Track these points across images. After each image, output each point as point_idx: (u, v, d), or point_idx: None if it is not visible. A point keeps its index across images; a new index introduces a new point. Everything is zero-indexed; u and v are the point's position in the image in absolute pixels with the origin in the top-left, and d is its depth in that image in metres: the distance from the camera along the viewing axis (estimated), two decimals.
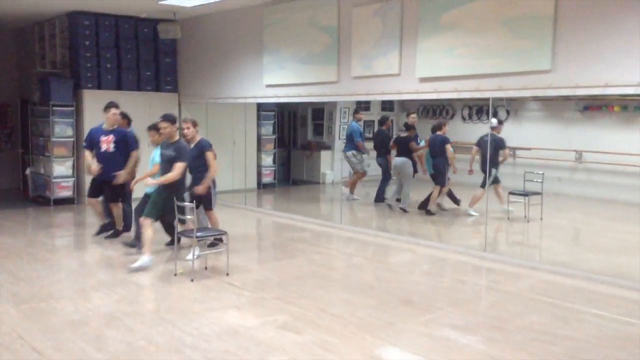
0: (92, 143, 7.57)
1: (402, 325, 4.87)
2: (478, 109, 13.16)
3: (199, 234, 6.21)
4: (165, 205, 6.33)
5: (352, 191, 11.31)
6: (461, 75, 7.17)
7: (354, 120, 11.43)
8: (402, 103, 14.69)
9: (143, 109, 10.48)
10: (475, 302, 5.62)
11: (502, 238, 8.72)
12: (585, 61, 6.07)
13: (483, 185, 9.18)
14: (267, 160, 12.98)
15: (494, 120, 9.16)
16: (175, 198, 6.18)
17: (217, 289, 5.78)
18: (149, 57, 11.47)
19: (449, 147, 9.66)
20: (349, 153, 11.05)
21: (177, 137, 6.43)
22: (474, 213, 9.44)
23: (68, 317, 4.94)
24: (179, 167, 6.25)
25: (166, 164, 6.36)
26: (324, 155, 13.98)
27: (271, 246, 8.35)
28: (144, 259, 6.32)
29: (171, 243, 7.04)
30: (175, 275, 6.20)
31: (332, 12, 8.66)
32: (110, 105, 7.56)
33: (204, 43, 11.15)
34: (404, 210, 9.91)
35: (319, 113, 14.34)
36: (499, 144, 9.16)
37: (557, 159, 9.83)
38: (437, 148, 9.73)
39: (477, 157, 9.46)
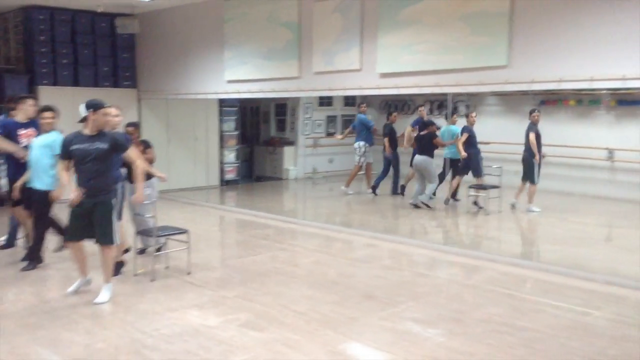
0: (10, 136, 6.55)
1: (364, 320, 4.90)
2: (439, 103, 13.31)
3: (159, 232, 6.12)
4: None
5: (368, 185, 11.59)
6: (421, 70, 7.23)
7: (359, 112, 11.72)
8: (365, 98, 14.76)
9: None
10: (436, 295, 5.69)
11: (463, 231, 8.86)
12: (541, 57, 6.20)
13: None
14: (230, 156, 12.89)
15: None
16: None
17: (178, 289, 5.70)
18: (107, 52, 11.22)
19: (464, 136, 9.80)
20: (360, 144, 11.27)
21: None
22: (535, 209, 9.48)
23: (23, 320, 4.81)
24: (135, 153, 5.56)
25: (98, 161, 5.11)
26: (288, 151, 13.95)
27: (234, 244, 8.29)
28: (106, 290, 5.35)
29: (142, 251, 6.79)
30: (135, 275, 6.09)
31: (292, 8, 8.62)
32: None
33: (164, 38, 10.98)
34: (428, 206, 9.82)
35: (282, 109, 14.30)
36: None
37: (516, 153, 10.02)
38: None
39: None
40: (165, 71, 11.01)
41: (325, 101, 14.33)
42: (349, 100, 14.83)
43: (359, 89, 8.06)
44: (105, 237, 5.19)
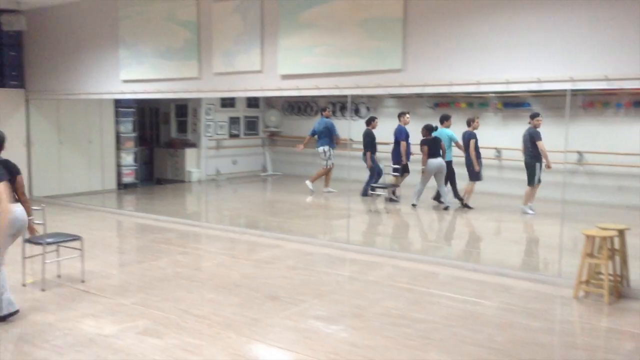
0: None
1: (267, 320, 4.91)
2: (342, 105, 13.59)
3: (49, 240, 5.79)
4: None
5: (327, 184, 11.66)
6: (321, 73, 7.35)
7: (324, 117, 11.67)
8: (267, 99, 14.79)
9: None
10: (339, 292, 5.81)
11: (364, 229, 9.08)
12: (433, 61, 6.50)
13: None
14: (128, 159, 12.44)
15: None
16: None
17: (72, 298, 5.43)
18: None
19: (472, 143, 9.77)
20: (325, 148, 11.32)
21: None
22: (530, 211, 9.48)
23: None
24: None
25: None
26: (189, 153, 13.68)
27: (132, 249, 8.02)
28: None
29: None
30: (24, 285, 5.74)
31: (191, 7, 8.47)
32: None
33: (54, 35, 10.42)
34: (447, 207, 9.89)
35: (183, 110, 14.01)
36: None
37: (413, 153, 10.45)
38: (466, 144, 9.85)
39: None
40: (56, 70, 10.45)
41: (228, 102, 14.21)
42: (252, 102, 14.80)
43: (260, 90, 8.06)
44: None
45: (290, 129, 14.83)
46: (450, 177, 10.11)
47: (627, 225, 5.84)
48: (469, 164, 9.76)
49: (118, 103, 11.82)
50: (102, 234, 8.53)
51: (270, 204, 11.95)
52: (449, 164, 10.05)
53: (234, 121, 14.54)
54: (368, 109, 13.20)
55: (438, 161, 9.81)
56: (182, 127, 14.15)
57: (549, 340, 4.60)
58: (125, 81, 9.44)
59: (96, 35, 9.81)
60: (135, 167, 12.62)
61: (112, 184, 11.93)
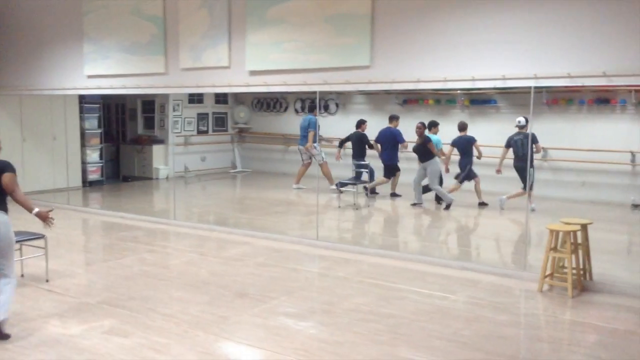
0: None
1: (236, 318, 4.88)
2: (311, 102, 13.58)
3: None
4: None
5: (297, 181, 11.55)
6: (289, 69, 7.33)
7: (310, 114, 11.53)
8: (236, 96, 14.69)
9: None
10: (308, 289, 5.81)
11: (334, 226, 9.11)
12: (400, 58, 6.54)
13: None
14: (93, 156, 12.24)
15: (521, 120, 9.23)
16: None
17: (35, 298, 5.32)
18: None
19: (477, 145, 9.75)
20: (315, 144, 11.19)
21: None
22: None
23: None
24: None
25: None
26: (157, 149, 13.50)
27: (98, 247, 7.88)
28: None
29: None
30: None
31: (157, 1, 8.36)
32: None
33: (16, 30, 10.16)
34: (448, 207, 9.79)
35: (150, 105, 13.81)
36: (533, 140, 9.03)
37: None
38: (465, 147, 9.77)
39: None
40: (18, 66, 10.19)
41: (196, 98, 14.05)
42: (220, 98, 14.67)
43: (228, 86, 8.00)
44: None
45: (260, 126, 14.75)
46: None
47: (590, 219, 5.98)
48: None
49: (83, 99, 11.60)
50: (67, 232, 8.37)
51: (239, 201, 11.89)
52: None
53: (202, 117, 14.40)
54: (337, 105, 13.22)
55: (427, 163, 9.74)
56: (149, 124, 13.95)
57: (515, 333, 4.69)
58: (90, 76, 9.27)
59: (59, 30, 9.60)
60: (101, 164, 12.41)
61: (77, 181, 11.71)
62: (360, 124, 10.92)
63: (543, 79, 5.74)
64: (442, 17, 6.26)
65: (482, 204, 9.77)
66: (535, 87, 5.94)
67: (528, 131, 9.13)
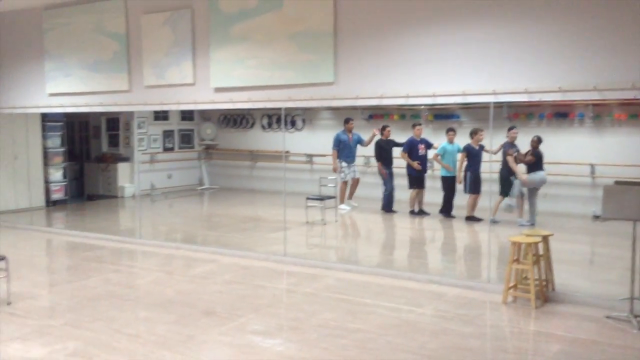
0: None
1: (203, 337, 4.84)
2: (277, 118, 13.62)
3: None
4: None
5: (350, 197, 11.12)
6: (254, 85, 7.36)
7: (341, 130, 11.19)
8: (202, 112, 14.63)
9: None
10: (276, 306, 5.80)
11: (301, 242, 9.11)
12: (364, 75, 6.64)
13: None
14: (57, 175, 12.01)
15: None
16: None
17: None
18: None
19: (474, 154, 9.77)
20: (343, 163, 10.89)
21: None
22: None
23: None
24: None
25: None
26: (122, 167, 13.33)
27: (62, 268, 7.73)
28: None
29: None
30: None
31: (119, 19, 8.31)
32: None
33: None
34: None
35: (114, 123, 13.65)
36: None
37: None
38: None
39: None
40: None
41: (161, 115, 13.95)
42: (186, 115, 14.59)
43: (193, 103, 7.98)
44: None
45: (227, 142, 14.72)
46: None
47: (551, 231, 6.13)
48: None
49: (45, 117, 11.40)
50: (30, 253, 8.19)
51: (207, 218, 11.80)
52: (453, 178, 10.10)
53: (168, 134, 14.30)
54: (304, 121, 13.29)
55: (539, 175, 9.41)
56: (113, 141, 13.78)
57: (480, 345, 4.76)
58: (52, 94, 9.14)
59: (20, 48, 9.46)
60: (64, 183, 12.18)
61: (40, 201, 11.47)
62: (382, 130, 10.79)
63: (502, 94, 5.89)
64: (404, 34, 6.39)
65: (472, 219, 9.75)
66: (495, 102, 6.09)
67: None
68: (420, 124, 10.76)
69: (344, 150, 10.86)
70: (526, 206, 9.39)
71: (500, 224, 9.20)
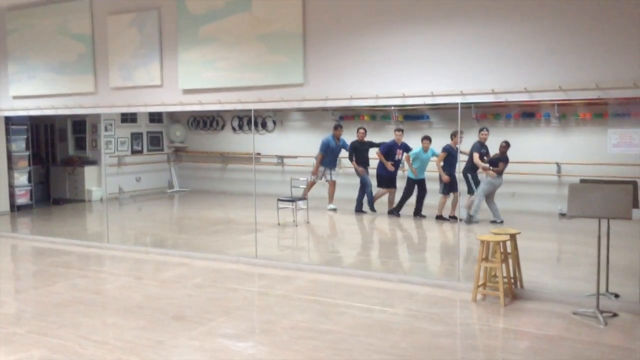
0: None
1: (173, 342, 4.77)
2: (248, 119, 13.54)
3: None
4: None
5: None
6: (224, 87, 7.30)
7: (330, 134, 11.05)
8: (171, 114, 14.47)
9: None
10: (247, 308, 5.75)
11: (273, 243, 9.07)
12: (333, 76, 6.64)
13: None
14: (21, 179, 11.75)
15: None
16: None
17: None
18: None
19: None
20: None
21: None
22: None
23: None
24: None
25: None
26: (89, 170, 13.10)
27: (27, 274, 7.55)
28: None
29: None
30: None
31: (84, 20, 8.17)
32: None
33: None
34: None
35: (81, 125, 13.40)
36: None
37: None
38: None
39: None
40: None
41: (129, 117, 13.75)
42: (154, 117, 14.41)
43: (161, 105, 7.88)
44: None
45: (197, 144, 14.58)
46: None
47: (519, 229, 6.21)
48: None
49: (9, 120, 11.14)
50: None
51: (177, 221, 11.67)
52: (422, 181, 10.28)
53: (136, 137, 14.10)
54: (274, 122, 13.25)
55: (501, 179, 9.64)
56: (80, 144, 13.53)
57: (451, 343, 4.79)
58: (16, 97, 8.93)
59: None
60: (29, 188, 11.92)
61: (4, 206, 11.20)
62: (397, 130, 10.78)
63: (469, 95, 5.96)
64: (373, 35, 6.41)
65: (449, 218, 9.80)
66: (463, 103, 6.16)
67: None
68: (401, 129, 10.81)
69: (329, 156, 10.85)
70: (484, 205, 9.51)
71: (475, 223, 9.30)
